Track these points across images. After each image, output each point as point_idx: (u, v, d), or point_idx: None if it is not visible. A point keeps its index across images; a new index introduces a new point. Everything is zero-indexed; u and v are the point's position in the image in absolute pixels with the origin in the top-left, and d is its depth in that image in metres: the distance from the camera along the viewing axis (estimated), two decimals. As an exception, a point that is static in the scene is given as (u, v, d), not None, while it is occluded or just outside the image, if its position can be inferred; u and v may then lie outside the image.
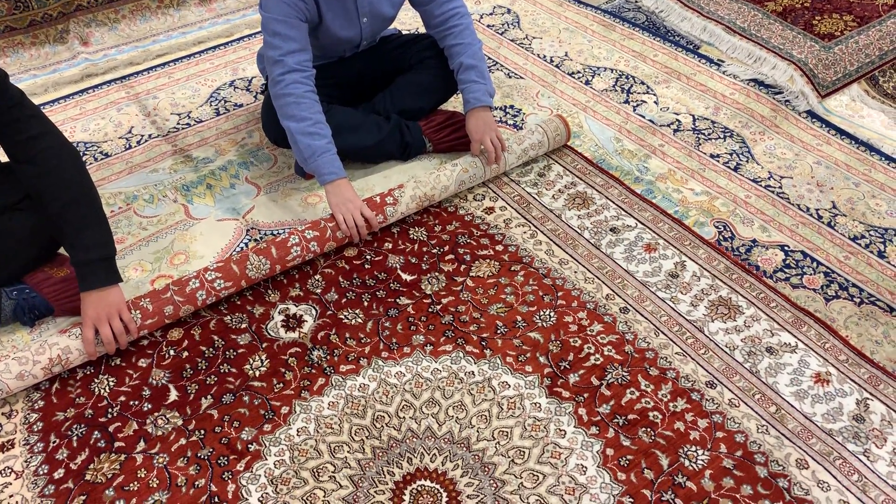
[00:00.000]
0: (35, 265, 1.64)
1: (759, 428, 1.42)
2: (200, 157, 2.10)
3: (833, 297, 1.69)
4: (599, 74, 2.47)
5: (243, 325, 1.62)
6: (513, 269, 1.75)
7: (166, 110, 2.29)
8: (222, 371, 1.53)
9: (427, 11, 1.96)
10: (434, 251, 1.80)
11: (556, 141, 2.06)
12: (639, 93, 2.38)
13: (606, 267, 1.76)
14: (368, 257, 1.79)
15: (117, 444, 1.40)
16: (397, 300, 1.68)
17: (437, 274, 1.74)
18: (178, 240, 1.84)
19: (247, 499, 1.32)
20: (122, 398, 1.48)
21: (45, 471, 1.36)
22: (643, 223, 1.87)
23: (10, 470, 1.37)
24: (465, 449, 1.39)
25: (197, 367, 1.54)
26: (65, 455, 1.39)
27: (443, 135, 2.05)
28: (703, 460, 1.37)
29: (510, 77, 2.46)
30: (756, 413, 1.45)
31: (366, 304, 1.68)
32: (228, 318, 1.64)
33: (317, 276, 1.74)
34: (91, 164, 2.08)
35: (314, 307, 1.67)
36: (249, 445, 1.40)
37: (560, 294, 1.69)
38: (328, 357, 1.56)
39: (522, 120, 2.25)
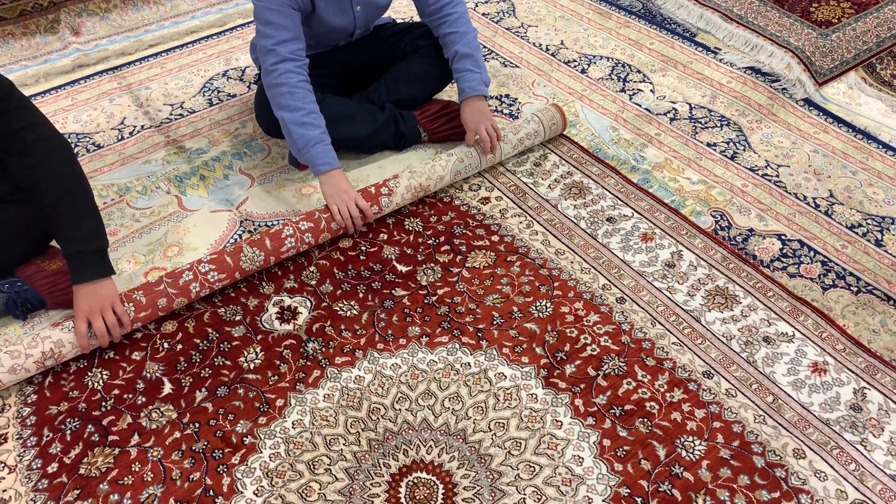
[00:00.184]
0: (27, 258, 1.63)
1: (756, 418, 1.42)
2: (194, 148, 2.08)
3: (830, 286, 1.69)
4: (595, 63, 2.45)
5: (237, 318, 1.61)
6: (509, 259, 1.74)
7: (159, 101, 2.27)
8: (217, 364, 1.52)
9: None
10: (430, 242, 1.79)
11: (552, 130, 2.05)
12: (635, 81, 2.36)
13: (603, 257, 1.75)
14: (363, 248, 1.78)
15: (111, 437, 1.40)
16: (393, 291, 1.67)
17: (432, 265, 1.73)
18: (171, 231, 1.82)
19: (242, 492, 1.31)
20: (116, 391, 1.47)
21: (39, 465, 1.36)
22: (640, 213, 1.86)
23: (3, 464, 1.36)
24: (461, 441, 1.38)
25: (191, 359, 1.53)
26: (58, 449, 1.38)
27: (438, 124, 2.04)
28: (700, 450, 1.37)
29: (505, 66, 2.44)
30: (753, 403, 1.44)
31: (361, 295, 1.66)
32: (222, 310, 1.63)
33: (311, 268, 1.72)
34: (83, 155, 2.06)
35: (309, 299, 1.66)
36: (244, 438, 1.39)
37: (556, 284, 1.68)
38: (323, 349, 1.55)
39: (518, 109, 2.24)
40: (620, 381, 1.48)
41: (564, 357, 1.53)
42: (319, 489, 1.31)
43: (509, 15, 2.72)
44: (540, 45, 2.55)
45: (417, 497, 1.30)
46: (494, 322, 1.60)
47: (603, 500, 1.29)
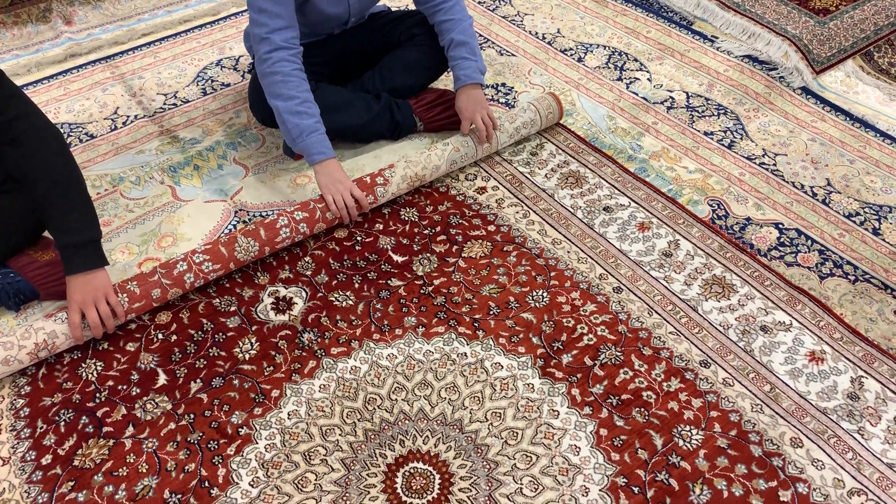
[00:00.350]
0: (19, 249, 1.62)
1: (753, 407, 1.42)
2: (187, 138, 2.06)
3: (827, 275, 1.68)
4: (592, 51, 2.44)
5: (232, 308, 1.60)
6: (505, 249, 1.74)
7: (152, 90, 2.25)
8: (211, 354, 1.51)
9: (417, -14, 1.93)
10: (426, 232, 1.78)
11: (549, 119, 2.03)
12: (632, 70, 2.35)
13: (600, 246, 1.74)
14: (359, 238, 1.77)
15: (106, 429, 1.39)
16: (388, 282, 1.66)
17: (428, 255, 1.72)
18: (165, 222, 1.81)
19: (237, 483, 1.30)
20: (110, 383, 1.46)
21: (33, 457, 1.35)
22: (636, 202, 1.85)
23: (-4, 456, 1.35)
24: (457, 431, 1.38)
25: (186, 350, 1.52)
26: (52, 440, 1.37)
27: (434, 113, 2.02)
28: (697, 440, 1.36)
29: (502, 54, 2.42)
30: (750, 392, 1.44)
31: (357, 285, 1.66)
32: (217, 300, 1.62)
33: (307, 258, 1.71)
34: (76, 145, 2.04)
35: (304, 289, 1.65)
36: (240, 429, 1.38)
37: (553, 274, 1.67)
38: (319, 340, 1.54)
39: (514, 98, 2.22)
40: (617, 370, 1.48)
41: (561, 347, 1.52)
42: (315, 480, 1.31)
43: (505, 3, 2.70)
44: (536, 33, 2.53)
45: (414, 487, 1.30)
46: (491, 312, 1.59)
47: (600, 490, 1.29)
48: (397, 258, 1.72)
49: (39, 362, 1.49)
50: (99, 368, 1.49)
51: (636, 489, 1.29)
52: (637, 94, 2.24)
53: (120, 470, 1.32)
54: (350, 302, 1.62)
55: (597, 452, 1.34)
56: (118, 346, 1.53)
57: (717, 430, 1.38)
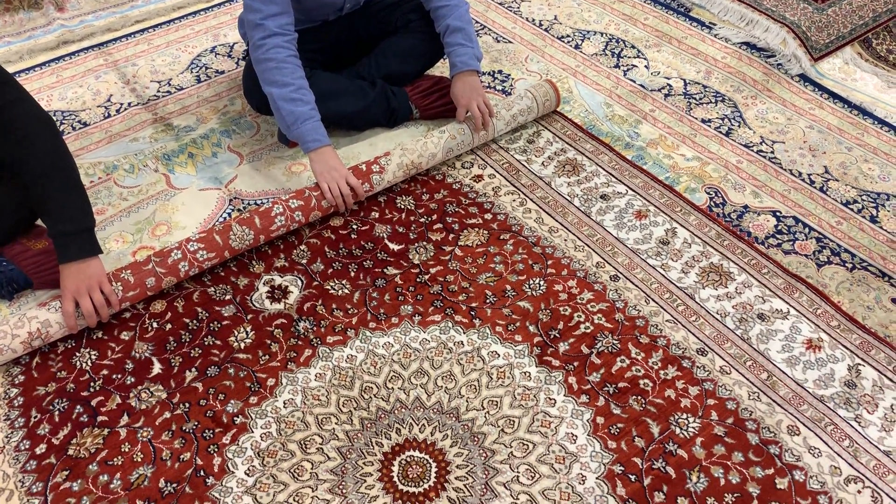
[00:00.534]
0: (12, 237, 1.60)
1: (750, 395, 1.41)
2: (181, 126, 2.05)
3: (825, 263, 1.68)
4: (589, 38, 2.42)
5: (227, 297, 1.59)
6: (502, 237, 1.73)
7: (146, 78, 2.23)
8: (207, 343, 1.50)
9: (412, -28, 1.91)
10: (422, 220, 1.77)
11: (546, 107, 2.02)
12: (629, 57, 2.33)
13: (597, 234, 1.73)
14: (355, 227, 1.75)
15: (100, 418, 1.38)
16: (385, 270, 1.65)
17: (425, 243, 1.72)
18: (159, 210, 1.80)
19: (233, 472, 1.30)
20: (105, 372, 1.46)
21: (27, 446, 1.34)
22: (634, 190, 1.85)
23: (-10, 446, 1.34)
24: (454, 419, 1.37)
25: (181, 339, 1.51)
26: (46, 430, 1.36)
27: (430, 101, 2.01)
28: (694, 428, 1.36)
29: (498, 41, 2.40)
30: (747, 380, 1.44)
31: (352, 274, 1.65)
32: (212, 289, 1.61)
33: (302, 247, 1.70)
34: (69, 133, 2.02)
35: (300, 278, 1.64)
36: (235, 418, 1.38)
37: (550, 262, 1.67)
38: (315, 328, 1.53)
39: (511, 85, 2.21)
40: (614, 358, 1.47)
41: (558, 335, 1.52)
42: (311, 468, 1.30)
43: (502, -10, 2.68)
44: (533, 20, 2.51)
45: (410, 475, 1.29)
46: (487, 300, 1.59)
47: (596, 478, 1.29)
48: (393, 246, 1.71)
49: (33, 351, 1.48)
50: (93, 357, 1.48)
51: (633, 477, 1.29)
52: (634, 82, 2.23)
53: (115, 459, 1.32)
54: (346, 290, 1.61)
55: (593, 440, 1.34)
56: (112, 334, 1.52)
57: (714, 417, 1.38)
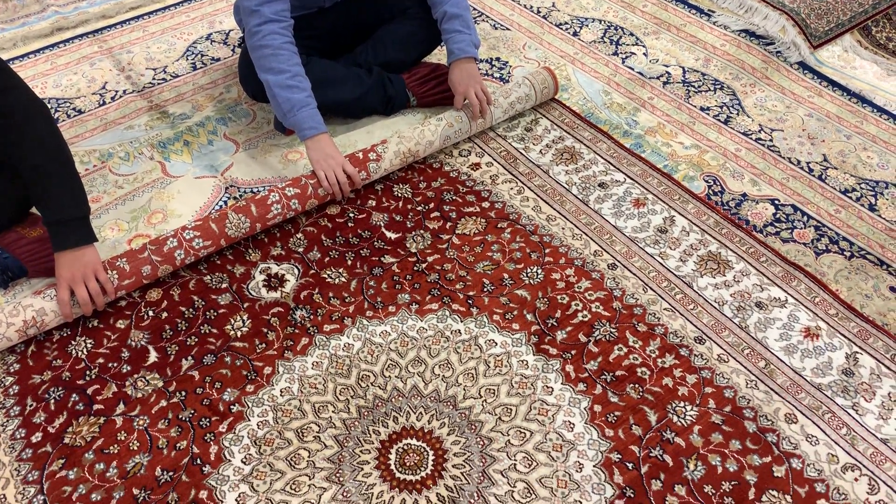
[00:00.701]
0: (7, 225, 1.59)
1: (747, 383, 1.41)
2: (177, 114, 2.03)
3: (823, 251, 1.67)
4: (587, 25, 2.40)
5: (224, 285, 1.59)
6: (499, 226, 1.72)
7: (141, 65, 2.22)
8: (203, 332, 1.50)
9: (409, -42, 1.89)
10: (419, 208, 1.76)
11: (544, 94, 2.01)
12: (628, 44, 2.32)
13: (594, 223, 1.73)
14: (351, 215, 1.75)
15: (96, 406, 1.37)
16: (382, 259, 1.65)
17: (422, 232, 1.71)
18: (155, 198, 1.79)
19: (230, 460, 1.29)
20: (101, 360, 1.45)
21: (23, 434, 1.33)
22: (632, 178, 1.84)
23: (-14, 434, 1.34)
24: (451, 407, 1.37)
25: (177, 327, 1.51)
26: (42, 418, 1.36)
27: (427, 88, 1.99)
28: (691, 416, 1.36)
29: (496, 28, 2.39)
30: (745, 368, 1.44)
31: (349, 262, 1.64)
32: (208, 277, 1.60)
33: (299, 235, 1.69)
34: (64, 121, 2.01)
35: (296, 266, 1.63)
36: (232, 406, 1.37)
37: (547, 251, 1.66)
38: (311, 317, 1.53)
39: (509, 73, 2.19)
40: (612, 346, 1.47)
41: (555, 323, 1.51)
42: (308, 457, 1.30)
43: (500, -23, 2.66)
44: (531, 7, 2.49)
45: (408, 463, 1.29)
46: (485, 289, 1.58)
47: (594, 466, 1.29)
48: (390, 235, 1.70)
49: (28, 340, 1.47)
50: (89, 346, 1.47)
51: (630, 465, 1.29)
52: (633, 69, 2.21)
53: (111, 447, 1.31)
54: (343, 279, 1.60)
55: (591, 428, 1.34)
56: (108, 323, 1.51)
57: (712, 406, 1.38)
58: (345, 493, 1.25)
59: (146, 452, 1.31)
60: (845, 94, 2.12)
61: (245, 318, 1.52)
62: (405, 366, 1.44)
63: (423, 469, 1.29)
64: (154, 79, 2.16)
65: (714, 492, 1.26)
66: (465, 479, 1.27)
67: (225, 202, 1.77)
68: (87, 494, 1.25)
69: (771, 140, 1.97)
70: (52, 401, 1.38)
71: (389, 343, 1.48)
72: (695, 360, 1.45)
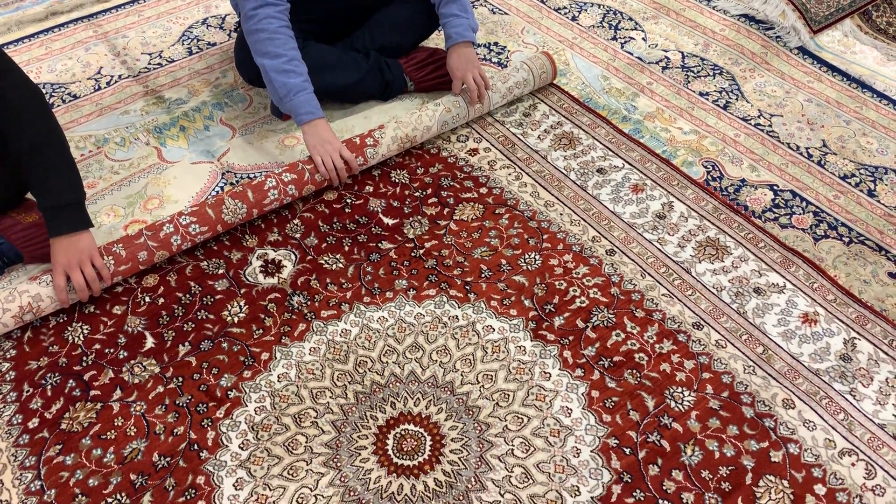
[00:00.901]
0: (2, 211, 1.58)
1: (745, 368, 1.41)
2: (173, 99, 2.02)
3: (822, 237, 1.67)
4: (586, 10, 2.39)
5: (220, 271, 1.58)
6: (497, 211, 1.71)
7: (136, 50, 2.20)
8: (200, 317, 1.49)
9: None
10: (416, 194, 1.75)
11: (542, 79, 2.00)
12: (627, 29, 2.30)
13: (593, 209, 1.72)
14: (349, 201, 1.74)
15: (93, 392, 1.37)
16: (379, 244, 1.64)
17: (419, 217, 1.70)
18: (151, 184, 1.78)
19: (227, 446, 1.29)
20: (97, 346, 1.45)
21: (20, 420, 1.33)
22: (630, 163, 1.83)
23: (-18, 420, 1.34)
24: (449, 392, 1.37)
25: (173, 313, 1.50)
26: (39, 404, 1.35)
27: (424, 73, 1.98)
28: (689, 401, 1.36)
29: (494, 13, 2.37)
30: (743, 354, 1.43)
31: (347, 248, 1.63)
32: (205, 263, 1.59)
33: (295, 221, 1.69)
34: (59, 106, 1.99)
35: (293, 252, 1.62)
36: (229, 392, 1.37)
37: (545, 237, 1.65)
38: (309, 303, 1.52)
39: (507, 57, 2.18)
40: (609, 332, 1.47)
41: (553, 309, 1.51)
42: (306, 442, 1.30)
43: (498, -39, 2.64)
44: (529, -9, 2.48)
45: (405, 449, 1.29)
46: (482, 275, 1.58)
47: (591, 451, 1.29)
48: (388, 221, 1.69)
49: (25, 325, 1.47)
50: (85, 332, 1.47)
51: (627, 450, 1.29)
52: (632, 54, 2.20)
53: (108, 433, 1.31)
54: (340, 265, 1.60)
55: (588, 414, 1.34)
56: (104, 309, 1.51)
57: (710, 391, 1.37)
58: (342, 479, 1.25)
59: (143, 438, 1.30)
60: (845, 79, 2.11)
61: (242, 303, 1.52)
62: (403, 351, 1.44)
63: (420, 454, 1.29)
64: (150, 63, 2.15)
65: (711, 477, 1.26)
66: (463, 464, 1.27)
67: (221, 188, 1.76)
68: (85, 480, 1.25)
69: (770, 125, 1.96)
70: (49, 386, 1.38)
71: (387, 329, 1.48)
72: (693, 346, 1.45)
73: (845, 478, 1.26)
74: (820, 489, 1.24)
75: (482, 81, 1.84)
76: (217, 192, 1.75)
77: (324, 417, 1.33)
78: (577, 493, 1.23)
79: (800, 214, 1.72)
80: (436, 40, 2.16)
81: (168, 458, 1.28)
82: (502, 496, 1.23)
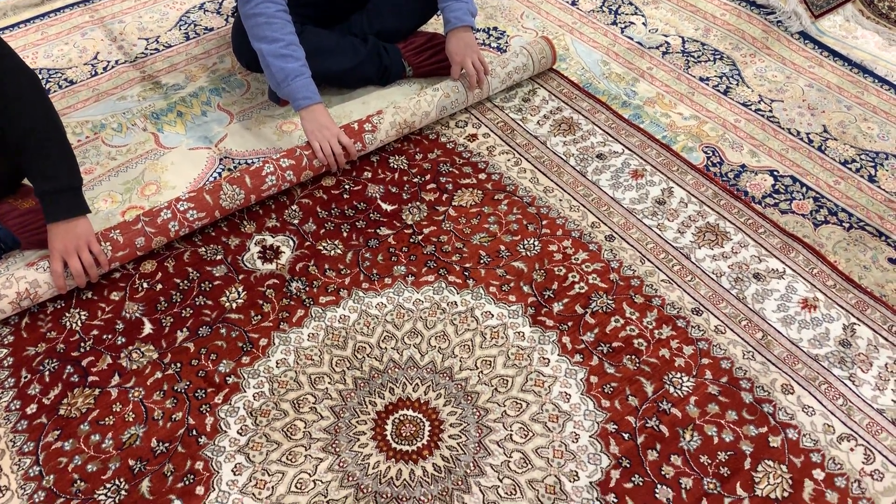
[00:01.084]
0: (-1, 197, 1.58)
1: (744, 354, 1.41)
2: (170, 84, 2.01)
3: (822, 223, 1.66)
4: (586, -5, 2.37)
5: (218, 257, 1.57)
6: (496, 197, 1.71)
7: (133, 35, 2.18)
8: (198, 303, 1.49)
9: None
10: (415, 180, 1.75)
11: (542, 64, 1.98)
12: (627, 14, 2.29)
13: (592, 194, 1.71)
14: (347, 187, 1.73)
15: (91, 378, 1.37)
16: (377, 230, 1.64)
17: (418, 203, 1.69)
18: (148, 170, 1.77)
19: (226, 431, 1.29)
20: (95, 332, 1.44)
21: (18, 406, 1.33)
22: (630, 149, 1.82)
23: (-19, 406, 1.34)
24: (447, 378, 1.37)
25: (171, 299, 1.50)
26: (37, 390, 1.35)
27: (423, 58, 1.97)
28: (688, 387, 1.36)
29: (493, -2, 2.35)
30: (742, 339, 1.43)
31: (345, 234, 1.63)
32: (203, 249, 1.59)
33: (294, 207, 1.68)
34: (55, 91, 1.98)
35: (292, 238, 1.62)
36: (227, 378, 1.37)
37: (545, 223, 1.65)
38: (307, 289, 1.52)
39: (506, 42, 2.16)
40: (608, 318, 1.47)
41: (552, 295, 1.50)
42: (305, 427, 1.30)
43: (497, -55, 2.61)
44: (529, -24, 2.46)
45: (403, 434, 1.29)
46: (481, 261, 1.57)
47: (590, 436, 1.29)
48: (386, 207, 1.69)
49: (22, 311, 1.47)
50: (83, 317, 1.47)
51: (626, 435, 1.29)
52: (632, 39, 2.19)
53: (106, 419, 1.31)
54: (338, 251, 1.59)
55: (587, 399, 1.34)
56: (102, 295, 1.50)
57: (709, 377, 1.37)
58: (341, 464, 1.25)
59: (142, 424, 1.30)
60: (846, 64, 2.10)
61: (240, 289, 1.52)
62: (401, 337, 1.43)
63: (419, 439, 1.29)
64: (146, 49, 2.13)
65: (710, 462, 1.26)
66: (462, 449, 1.27)
67: (219, 173, 1.75)
68: (83, 465, 1.25)
69: (771, 111, 1.95)
70: (47, 372, 1.38)
71: (385, 315, 1.47)
72: (692, 332, 1.44)
73: (844, 463, 1.26)
74: (818, 474, 1.24)
75: (481, 66, 1.83)
76: (215, 177, 1.74)
77: (322, 403, 1.33)
78: (575, 477, 1.24)
79: (800, 200, 1.71)
80: (434, 25, 2.14)
81: (167, 444, 1.28)
82: (501, 481, 1.23)
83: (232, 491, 1.22)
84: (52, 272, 1.43)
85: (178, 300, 1.50)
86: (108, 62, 2.08)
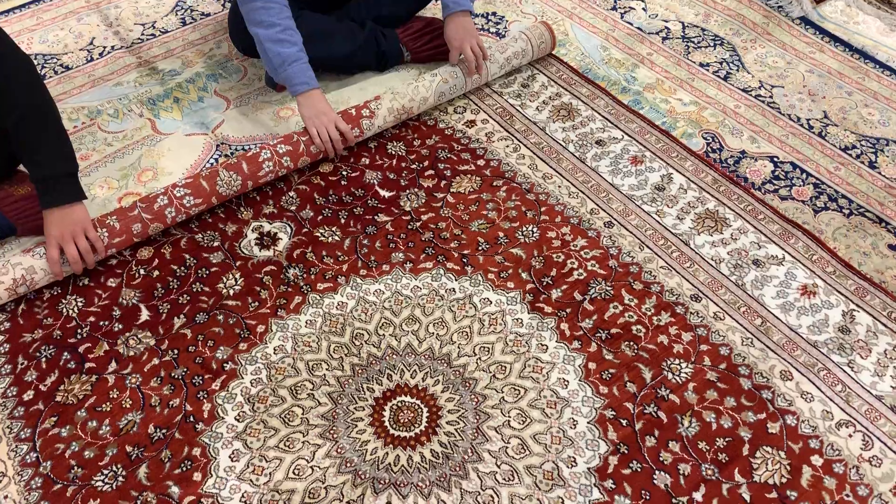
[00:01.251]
0: (-6, 183, 1.57)
1: (743, 340, 1.40)
2: (167, 70, 1.99)
3: (822, 209, 1.65)
4: (586, -20, 2.35)
5: (215, 244, 1.57)
6: (495, 184, 1.70)
7: (129, 20, 2.17)
8: (195, 290, 1.48)
9: None
10: (413, 166, 1.74)
11: (541, 50, 1.97)
12: (627, -1, 2.27)
13: (591, 181, 1.70)
14: (345, 173, 1.72)
15: (88, 364, 1.37)
16: (375, 217, 1.63)
17: (416, 190, 1.68)
18: (145, 156, 1.76)
19: (223, 417, 1.29)
20: (92, 319, 1.44)
21: (14, 392, 1.33)
22: (630, 135, 1.81)
23: (-23, 393, 1.33)
24: (445, 365, 1.36)
25: (168, 286, 1.49)
26: (34, 377, 1.35)
27: (421, 43, 1.95)
28: (686, 373, 1.35)
29: (492, -17, 2.34)
30: (741, 325, 1.43)
31: (343, 221, 1.62)
32: (200, 236, 1.58)
33: (291, 193, 1.67)
34: (51, 77, 1.97)
35: (289, 225, 1.61)
36: (225, 364, 1.36)
37: (543, 209, 1.64)
38: (304, 275, 1.51)
39: (505, 28, 2.15)
40: (607, 305, 1.46)
41: (550, 282, 1.50)
42: (302, 414, 1.29)
43: (496, -71, 2.59)
44: (528, -39, 2.43)
45: (402, 420, 1.29)
46: (480, 248, 1.56)
47: (588, 422, 1.28)
48: (384, 193, 1.68)
49: (18, 298, 1.46)
50: (80, 304, 1.46)
51: (624, 421, 1.29)
52: (632, 25, 2.17)
53: (103, 405, 1.31)
54: (336, 238, 1.59)
55: (585, 386, 1.33)
56: (99, 281, 1.50)
57: (707, 363, 1.37)
58: (339, 450, 1.25)
59: (139, 410, 1.30)
60: (847, 49, 2.08)
61: (237, 276, 1.51)
62: (399, 324, 1.43)
63: (417, 426, 1.28)
64: (143, 34, 2.11)
65: (708, 448, 1.26)
66: (460, 435, 1.27)
67: (216, 159, 1.74)
68: (80, 451, 1.25)
69: (771, 97, 1.94)
70: (44, 359, 1.37)
71: (383, 301, 1.47)
72: (690, 318, 1.44)
73: (842, 449, 1.26)
74: (817, 460, 1.24)
75: (480, 52, 1.82)
76: (212, 163, 1.73)
77: (320, 389, 1.33)
78: (573, 463, 1.23)
79: (800, 186, 1.70)
80: (433, 10, 2.12)
81: (164, 430, 1.27)
82: (499, 467, 1.23)
83: (229, 477, 1.22)
84: (48, 259, 1.42)
85: (175, 287, 1.49)
86: (105, 48, 2.07)
